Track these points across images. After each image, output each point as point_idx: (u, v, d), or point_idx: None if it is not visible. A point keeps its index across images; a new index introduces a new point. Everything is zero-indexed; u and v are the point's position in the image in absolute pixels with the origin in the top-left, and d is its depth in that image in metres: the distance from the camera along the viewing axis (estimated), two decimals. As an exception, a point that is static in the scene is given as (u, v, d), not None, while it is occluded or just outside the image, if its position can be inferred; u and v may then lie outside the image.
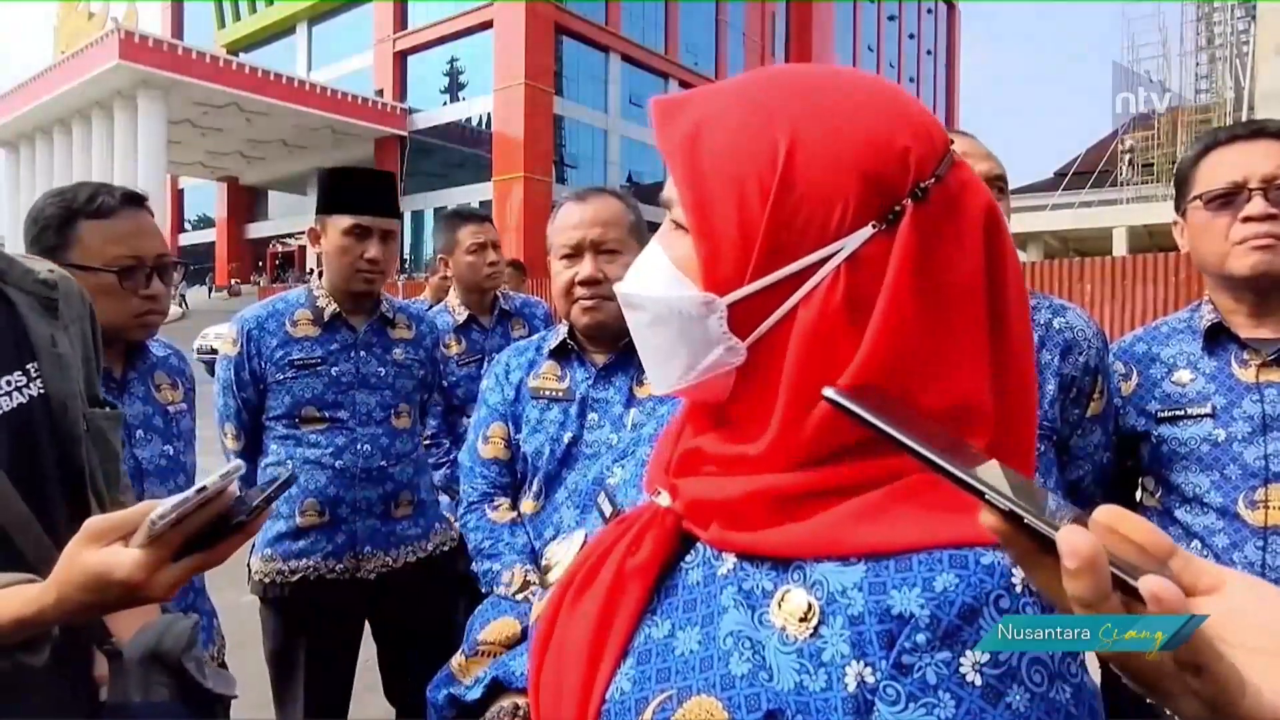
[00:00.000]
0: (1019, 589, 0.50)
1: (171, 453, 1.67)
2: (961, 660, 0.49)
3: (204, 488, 0.70)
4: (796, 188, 0.54)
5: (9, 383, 0.95)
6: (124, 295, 1.50)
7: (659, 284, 0.60)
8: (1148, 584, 0.37)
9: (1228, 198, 1.35)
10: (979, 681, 0.49)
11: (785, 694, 0.52)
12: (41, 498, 0.95)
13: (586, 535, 0.74)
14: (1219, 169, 1.37)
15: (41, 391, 0.99)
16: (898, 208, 0.54)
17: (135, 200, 1.55)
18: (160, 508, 0.70)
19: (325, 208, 2.04)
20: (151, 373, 1.69)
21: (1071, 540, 0.38)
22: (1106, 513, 0.41)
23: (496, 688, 0.75)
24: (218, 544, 0.75)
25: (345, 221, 2.00)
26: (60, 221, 1.47)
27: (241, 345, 2.05)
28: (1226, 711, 0.38)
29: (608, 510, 0.74)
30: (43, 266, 1.06)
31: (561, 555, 0.76)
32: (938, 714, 0.49)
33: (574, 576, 0.66)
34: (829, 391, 0.47)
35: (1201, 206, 1.38)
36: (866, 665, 0.51)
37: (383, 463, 2.06)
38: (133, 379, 1.65)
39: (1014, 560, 0.43)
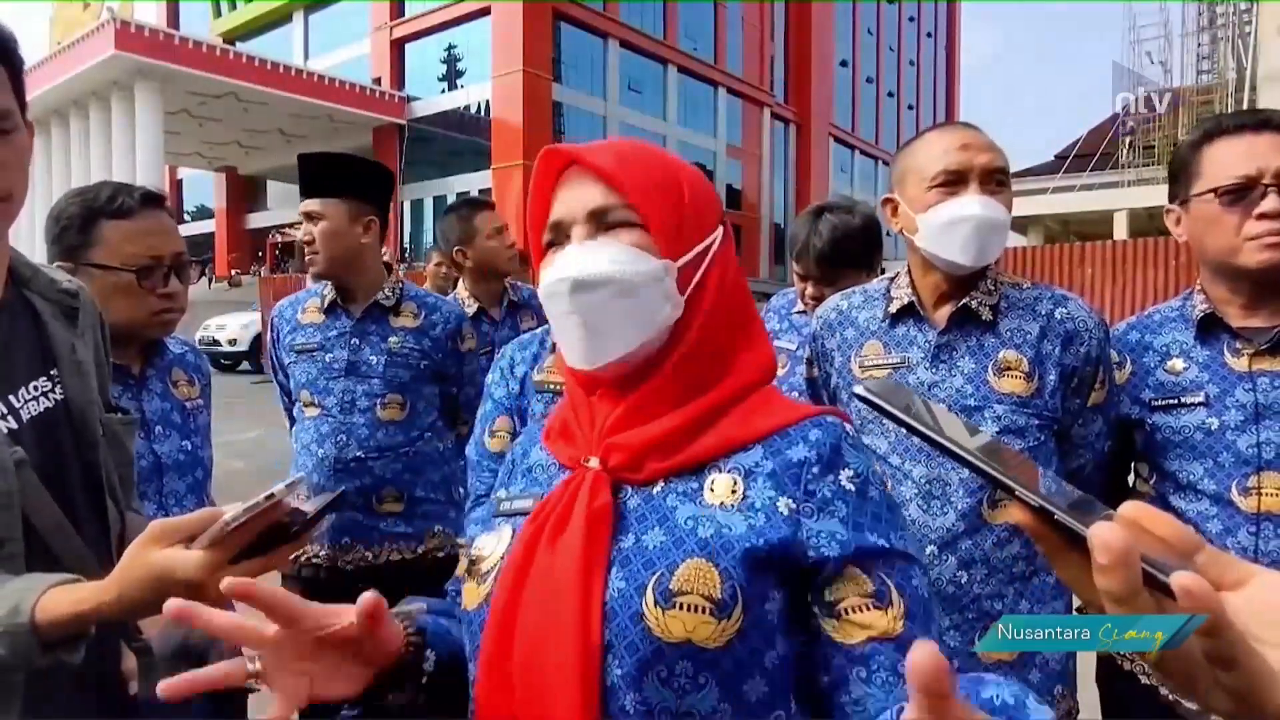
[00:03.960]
0: (850, 432, 0.82)
1: (189, 447, 1.70)
2: (840, 477, 0.77)
3: (272, 494, 0.73)
4: (693, 200, 0.83)
5: (35, 388, 0.98)
6: (142, 294, 1.53)
7: (629, 261, 0.79)
8: (1179, 579, 0.37)
9: (1240, 192, 1.33)
10: (853, 488, 0.77)
11: (744, 534, 0.74)
12: (68, 501, 0.97)
13: (514, 530, 0.83)
14: (1228, 161, 1.35)
15: (61, 398, 1.01)
16: (724, 219, 0.87)
17: (154, 200, 1.58)
18: (232, 512, 0.73)
19: None
20: (169, 369, 1.72)
21: (1103, 537, 0.39)
22: (1133, 508, 0.42)
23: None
24: (272, 550, 0.78)
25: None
26: (82, 221, 1.51)
27: (269, 331, 2.17)
28: (1256, 705, 0.38)
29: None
30: (62, 276, 1.09)
31: (489, 548, 0.83)
32: (837, 515, 0.75)
33: (541, 529, 0.78)
34: (859, 389, 0.53)
35: (1214, 200, 1.36)
36: (788, 498, 0.76)
37: (359, 454, 2.03)
38: (151, 376, 1.68)
39: (1042, 554, 0.46)
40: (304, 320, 2.13)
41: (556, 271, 0.81)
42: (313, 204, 2.07)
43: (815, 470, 0.77)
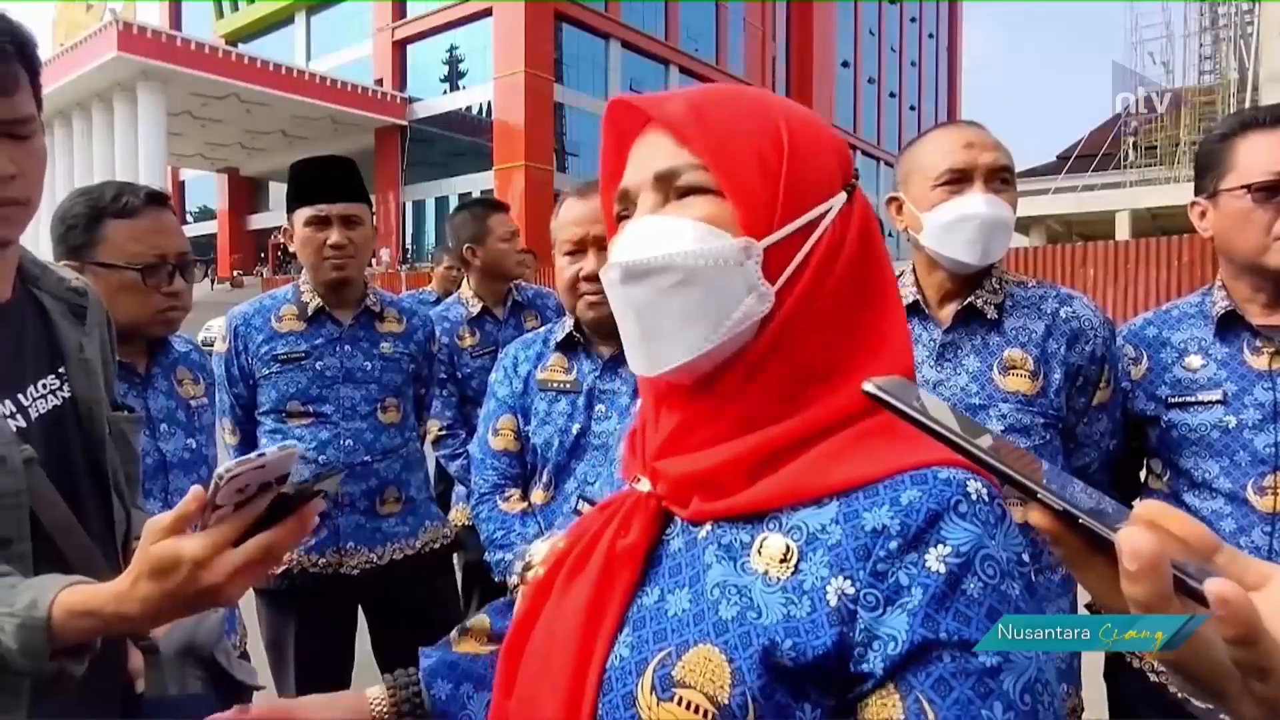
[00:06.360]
0: (974, 495, 0.57)
1: (195, 445, 1.71)
2: (927, 556, 0.55)
3: (264, 454, 0.72)
4: (799, 155, 0.65)
5: (44, 386, 0.98)
6: (147, 292, 1.54)
7: (691, 240, 0.62)
8: (1216, 587, 0.35)
9: (1274, 189, 1.30)
10: (942, 569, 0.54)
11: (774, 625, 0.57)
12: (75, 499, 0.98)
13: None
14: (1264, 156, 1.31)
15: (69, 395, 1.01)
16: (852, 182, 0.68)
17: (158, 200, 1.59)
18: (224, 464, 0.71)
19: (289, 205, 2.06)
20: (174, 368, 1.73)
21: (1134, 543, 0.37)
22: (1150, 508, 0.40)
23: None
24: (275, 524, 0.75)
25: (305, 213, 2.01)
26: (87, 221, 1.52)
27: (230, 342, 2.08)
28: None
29: None
30: (71, 274, 1.09)
31: (544, 555, 0.78)
32: (907, 608, 0.54)
33: (563, 561, 0.69)
34: (867, 385, 0.48)
35: (1246, 195, 1.32)
36: (846, 579, 0.56)
37: (366, 458, 2.04)
38: (156, 374, 1.69)
39: (1062, 559, 0.44)
40: (282, 329, 2.06)
41: (610, 255, 0.68)
42: (351, 207, 2.02)
43: (893, 545, 0.55)
